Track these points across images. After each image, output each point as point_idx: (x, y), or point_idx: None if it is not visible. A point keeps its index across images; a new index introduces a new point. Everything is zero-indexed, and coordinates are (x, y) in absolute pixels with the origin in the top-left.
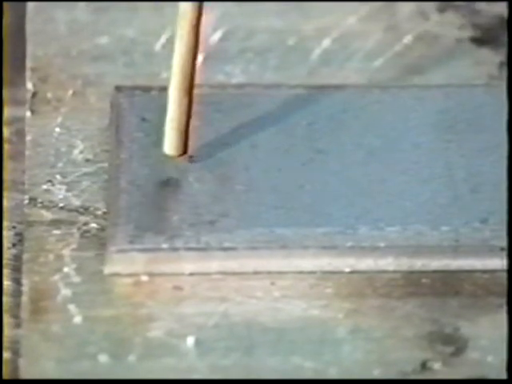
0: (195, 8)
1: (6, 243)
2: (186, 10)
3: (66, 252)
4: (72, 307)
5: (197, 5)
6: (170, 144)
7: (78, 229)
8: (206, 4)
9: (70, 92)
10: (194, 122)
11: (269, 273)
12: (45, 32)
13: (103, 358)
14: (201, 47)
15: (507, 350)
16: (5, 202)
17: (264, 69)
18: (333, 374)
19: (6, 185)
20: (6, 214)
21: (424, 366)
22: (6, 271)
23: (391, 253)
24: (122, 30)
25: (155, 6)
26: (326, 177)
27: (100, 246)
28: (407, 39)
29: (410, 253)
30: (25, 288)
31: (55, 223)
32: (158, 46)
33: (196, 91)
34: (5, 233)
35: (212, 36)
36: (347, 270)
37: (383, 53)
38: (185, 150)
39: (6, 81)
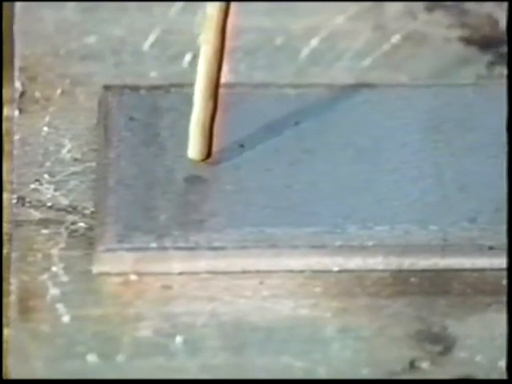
0: (222, 10)
1: None
2: (213, 12)
3: (55, 251)
4: (60, 306)
5: (224, 7)
6: (194, 148)
7: (66, 228)
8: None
9: (59, 91)
10: (183, 122)
11: (257, 272)
12: (33, 31)
13: (92, 358)
14: (188, 47)
15: (507, 350)
16: None
17: (252, 68)
18: (322, 373)
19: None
20: None
21: (412, 365)
22: None
23: (380, 252)
24: (110, 29)
25: (143, 5)
26: (314, 176)
27: (88, 246)
28: (395, 39)
29: (399, 252)
30: (13, 287)
31: (43, 222)
32: (146, 46)
33: (185, 91)
34: None
35: (200, 36)
36: (336, 269)
37: (371, 52)
38: (208, 154)
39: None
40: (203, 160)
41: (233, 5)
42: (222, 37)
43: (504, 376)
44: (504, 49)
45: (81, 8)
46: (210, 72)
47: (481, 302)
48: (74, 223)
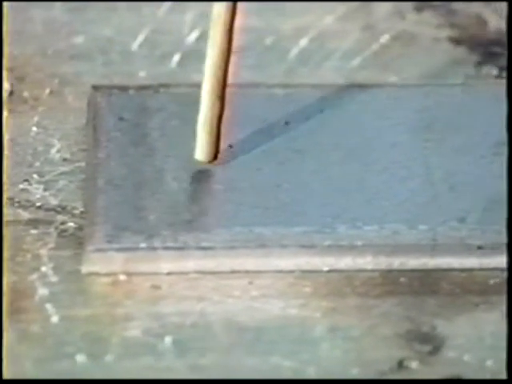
0: (229, 10)
1: None
2: (220, 12)
3: (44, 251)
4: (49, 307)
5: (231, 7)
6: (201, 149)
7: (56, 228)
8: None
9: (47, 91)
10: (172, 122)
11: (247, 272)
12: (22, 31)
13: (81, 358)
14: (177, 47)
15: (507, 350)
16: None
17: (241, 68)
18: (311, 373)
19: None
20: None
21: (401, 364)
22: None
23: (369, 252)
24: (98, 29)
25: (132, 5)
26: (304, 176)
27: (78, 246)
28: (384, 39)
29: (388, 252)
30: (2, 287)
31: (32, 223)
32: (135, 46)
33: (174, 91)
34: None
35: (189, 36)
36: (325, 268)
37: (361, 52)
38: (215, 156)
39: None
40: (210, 162)
41: (239, 4)
42: (228, 37)
43: (492, 376)
44: (492, 49)
45: (69, 8)
46: (216, 72)
47: (469, 301)
48: (63, 223)
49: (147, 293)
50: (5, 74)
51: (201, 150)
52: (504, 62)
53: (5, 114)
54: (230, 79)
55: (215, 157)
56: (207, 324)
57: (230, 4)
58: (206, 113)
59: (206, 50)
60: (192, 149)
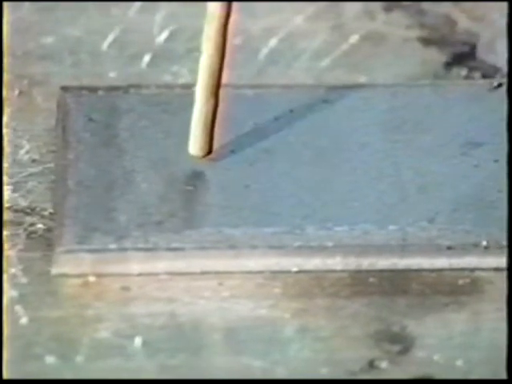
0: (224, 8)
1: None
2: (215, 9)
3: (13, 253)
4: (19, 308)
5: (225, 5)
6: (195, 144)
7: (25, 229)
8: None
9: (16, 92)
10: (142, 123)
11: (217, 273)
12: None
13: (50, 359)
14: (147, 47)
15: (507, 350)
16: None
17: None
18: (281, 374)
19: None
20: None
21: (371, 364)
22: None
23: (339, 252)
24: (67, 29)
25: (102, 5)
26: (273, 177)
27: (47, 247)
28: (354, 39)
29: (358, 252)
30: None
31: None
32: (104, 46)
33: (144, 91)
34: None
35: (158, 36)
36: (295, 269)
37: (330, 52)
38: (209, 151)
39: None
40: (204, 156)
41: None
42: (223, 34)
43: (462, 376)
44: (462, 49)
45: (37, 8)
46: (211, 69)
47: (439, 301)
48: (32, 224)
49: (117, 294)
50: None
51: (195, 145)
52: (473, 62)
53: None
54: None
55: (209, 152)
56: (177, 325)
57: (224, 3)
58: (201, 108)
59: (201, 46)
60: (162, 149)
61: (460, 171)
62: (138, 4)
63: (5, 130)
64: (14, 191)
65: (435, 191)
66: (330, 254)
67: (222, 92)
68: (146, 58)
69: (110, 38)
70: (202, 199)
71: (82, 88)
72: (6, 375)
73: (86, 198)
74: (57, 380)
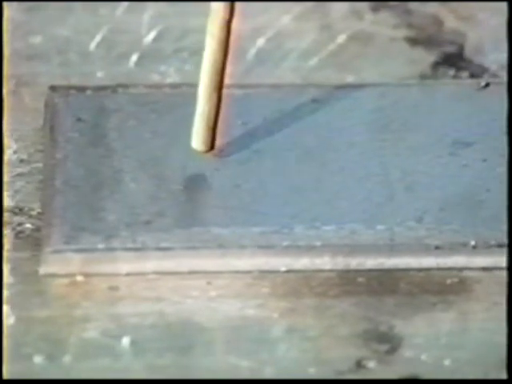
0: (227, 5)
1: None
2: (219, 7)
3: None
4: (7, 308)
5: (229, 2)
6: (198, 139)
7: (13, 229)
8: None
9: (4, 92)
10: (130, 122)
11: (205, 272)
12: None
13: (38, 359)
14: (135, 47)
15: (507, 350)
16: None
17: (198, 68)
18: (269, 373)
19: None
20: None
21: (359, 364)
22: None
23: (327, 252)
24: (55, 29)
25: (90, 5)
26: (262, 176)
27: (35, 247)
28: (341, 38)
29: (346, 252)
30: None
31: None
32: (92, 46)
33: (132, 91)
34: None
35: (146, 36)
36: (283, 269)
37: (318, 52)
38: (212, 146)
39: None
40: (207, 151)
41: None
42: (227, 29)
43: (449, 375)
44: (449, 49)
45: (25, 7)
46: (215, 64)
47: (427, 301)
48: (20, 224)
49: (105, 294)
50: None
51: (198, 140)
52: (460, 62)
53: None
54: (189, 80)
55: (212, 147)
56: (165, 324)
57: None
58: (204, 104)
59: (205, 42)
60: (150, 149)
61: (448, 171)
62: (125, 4)
63: None
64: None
65: (423, 191)
66: (319, 254)
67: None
68: (134, 58)
69: (98, 37)
70: (191, 199)
71: (70, 88)
72: (5, 375)
73: (74, 197)
74: (56, 380)
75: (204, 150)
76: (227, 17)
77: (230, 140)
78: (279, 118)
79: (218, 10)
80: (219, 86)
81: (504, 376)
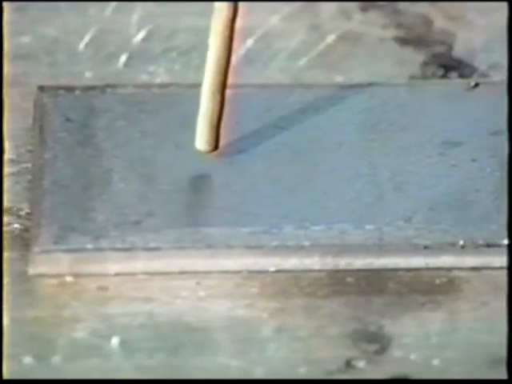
0: (231, 4)
1: None
2: (223, 5)
3: None
4: None
5: (233, 2)
6: (201, 139)
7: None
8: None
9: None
10: (119, 122)
11: (194, 272)
12: None
13: (27, 360)
14: (124, 47)
15: (507, 350)
16: None
17: (188, 68)
18: (258, 373)
19: None
20: None
21: (348, 364)
22: None
23: (316, 252)
24: (44, 29)
25: (78, 5)
26: (250, 176)
27: (24, 247)
28: (330, 39)
29: (335, 252)
30: None
31: None
32: (81, 46)
33: (120, 91)
34: None
35: (135, 36)
36: (272, 269)
37: (307, 52)
38: (216, 146)
39: None
40: (211, 152)
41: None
42: (231, 28)
43: (438, 375)
44: (438, 49)
45: (14, 7)
46: (218, 63)
47: (416, 301)
48: (9, 224)
49: (94, 294)
50: None
51: (201, 140)
52: (449, 61)
53: None
54: (179, 80)
55: (216, 147)
56: (155, 325)
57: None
58: (207, 104)
59: (208, 41)
60: (139, 149)
61: (437, 171)
62: (114, 4)
63: None
64: None
65: (412, 191)
66: (308, 254)
67: (198, 93)
68: (123, 58)
69: (87, 37)
70: (180, 199)
71: (58, 88)
72: (5, 375)
73: (63, 197)
74: (56, 380)
75: (208, 150)
76: (231, 16)
77: (219, 139)
78: (268, 119)
79: (222, 9)
80: (223, 85)
81: (493, 376)
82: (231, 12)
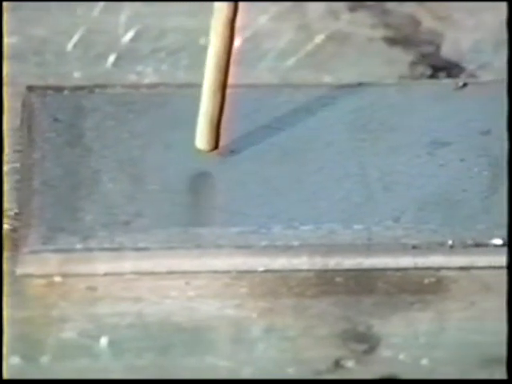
0: (231, 4)
1: None
2: (223, 5)
3: None
4: None
5: (232, 2)
6: (202, 138)
7: None
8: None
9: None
10: (107, 123)
11: (183, 272)
12: None
13: (15, 360)
14: (112, 47)
15: (507, 349)
16: None
17: (176, 68)
18: (247, 373)
19: None
20: None
21: (337, 364)
22: None
23: (305, 252)
24: (32, 29)
25: (67, 5)
26: (239, 176)
27: (12, 247)
28: (319, 38)
29: (324, 251)
30: None
31: None
32: (69, 46)
33: (109, 91)
34: None
35: (124, 36)
36: (261, 269)
37: (295, 52)
38: (216, 145)
39: None
40: (211, 151)
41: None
42: (231, 29)
43: (427, 375)
44: (426, 49)
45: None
46: (218, 63)
47: (404, 300)
48: None
49: (83, 294)
50: None
51: (201, 140)
52: (437, 61)
53: None
54: (167, 80)
55: (216, 146)
56: (144, 325)
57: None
58: (207, 103)
59: (209, 41)
60: (128, 149)
61: (426, 170)
62: (102, 4)
63: None
64: None
65: (401, 190)
66: (296, 254)
67: (187, 93)
68: (111, 58)
69: (75, 38)
70: (168, 199)
71: (47, 88)
72: (5, 375)
73: (52, 197)
74: (55, 380)
75: (208, 149)
76: (231, 16)
77: None
78: (257, 119)
79: (222, 9)
80: (223, 85)
81: (481, 375)
82: (231, 12)
